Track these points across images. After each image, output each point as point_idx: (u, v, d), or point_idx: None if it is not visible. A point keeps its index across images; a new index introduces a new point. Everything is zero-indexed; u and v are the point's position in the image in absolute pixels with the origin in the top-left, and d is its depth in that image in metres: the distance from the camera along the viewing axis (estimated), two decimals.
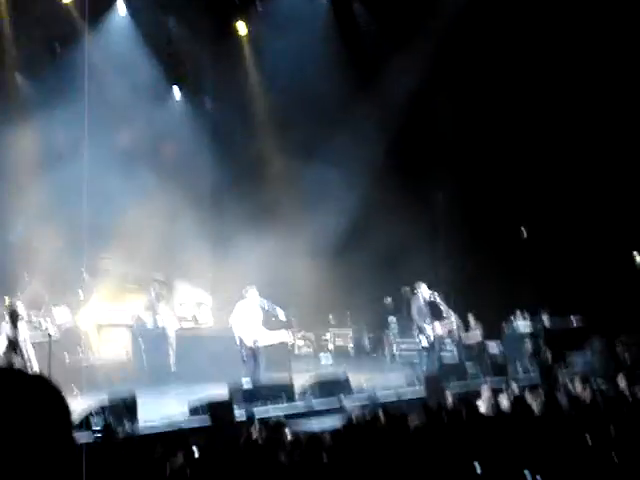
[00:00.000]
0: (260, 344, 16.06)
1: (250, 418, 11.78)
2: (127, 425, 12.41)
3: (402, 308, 20.81)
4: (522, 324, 20.15)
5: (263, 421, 10.83)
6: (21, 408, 1.59)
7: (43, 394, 1.66)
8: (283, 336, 16.98)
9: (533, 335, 19.68)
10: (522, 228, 22.13)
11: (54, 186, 18.65)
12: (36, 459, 1.58)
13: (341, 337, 23.13)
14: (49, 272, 18.47)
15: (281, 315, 16.15)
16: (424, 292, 17.92)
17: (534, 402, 12.35)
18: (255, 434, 10.22)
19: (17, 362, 13.08)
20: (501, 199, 22.53)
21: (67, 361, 17.01)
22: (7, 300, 16.74)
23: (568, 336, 20.12)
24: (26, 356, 13.26)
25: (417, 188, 22.69)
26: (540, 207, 22.49)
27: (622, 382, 14.23)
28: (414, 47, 21.84)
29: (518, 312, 20.60)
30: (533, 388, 14.07)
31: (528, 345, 19.45)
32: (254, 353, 16.04)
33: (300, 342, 22.67)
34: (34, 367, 13.34)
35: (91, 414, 12.30)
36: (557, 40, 21.02)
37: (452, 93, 22.38)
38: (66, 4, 19.63)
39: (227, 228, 20.45)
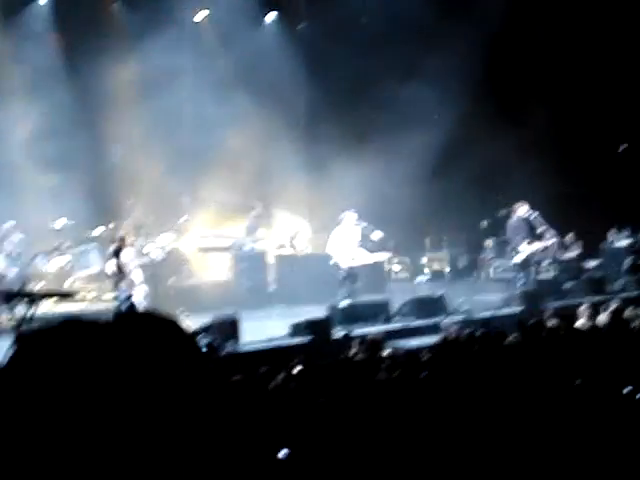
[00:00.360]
0: (356, 264, 16.30)
1: (347, 336, 12.06)
2: (230, 344, 12.85)
3: (499, 231, 20.71)
4: (621, 239, 19.84)
5: (362, 339, 11.09)
6: (166, 356, 1.71)
7: (178, 341, 1.78)
8: (380, 256, 17.17)
9: (632, 250, 19.36)
10: (620, 144, 21.64)
11: (153, 112, 19.00)
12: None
13: (437, 261, 23.17)
14: (151, 197, 18.92)
15: (378, 236, 16.32)
16: (521, 211, 17.84)
17: (633, 318, 12.31)
18: (353, 352, 10.50)
19: (125, 285, 13.60)
20: (597, 115, 22.07)
21: (171, 283, 17.56)
22: (112, 225, 17.35)
23: None
24: (134, 280, 13.75)
25: (514, 108, 22.37)
26: (636, 122, 21.97)
27: None
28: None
29: (616, 228, 20.29)
30: (632, 303, 14.00)
31: (627, 261, 19.19)
32: (351, 274, 16.30)
33: (397, 266, 22.80)
34: (143, 289, 13.83)
35: (195, 334, 12.73)
36: None
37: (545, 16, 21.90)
38: None
39: (323, 153, 20.55)
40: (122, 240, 13.94)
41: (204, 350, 12.22)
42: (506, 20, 21.85)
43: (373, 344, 10.64)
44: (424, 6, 21.24)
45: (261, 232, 19.66)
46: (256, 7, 21.55)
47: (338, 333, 13.58)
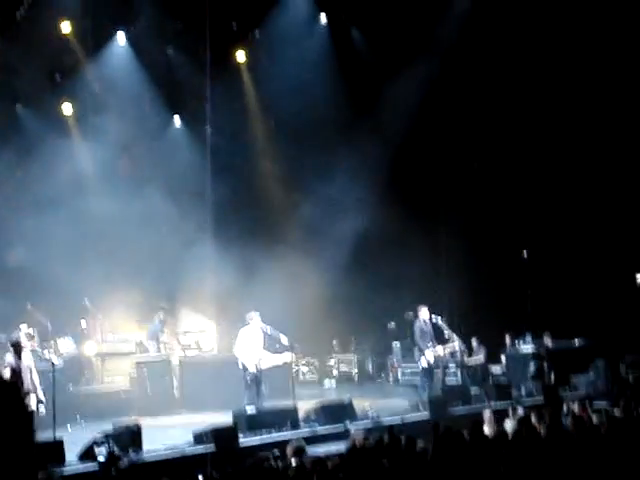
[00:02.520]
0: (263, 367, 16.07)
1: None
2: (132, 453, 12.42)
3: (406, 333, 20.80)
4: (525, 346, 20.13)
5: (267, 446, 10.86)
6: None
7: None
8: (285, 357, 16.98)
9: (536, 357, 19.63)
10: (523, 251, 22.15)
11: (58, 213, 18.73)
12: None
13: (345, 363, 23.10)
14: (52, 300, 18.49)
15: (284, 340, 16.15)
16: (426, 315, 17.93)
17: (539, 424, 12.34)
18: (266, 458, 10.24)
19: (22, 391, 13.08)
20: (503, 223, 22.59)
21: (71, 390, 17.01)
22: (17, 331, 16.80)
23: (572, 357, 20.11)
24: (31, 386, 13.27)
25: (419, 214, 22.77)
26: (542, 230, 22.55)
27: (624, 403, 14.22)
28: (410, 71, 22.06)
29: (521, 334, 20.61)
30: (537, 410, 14.05)
31: (531, 367, 19.42)
32: (257, 378, 16.04)
33: (304, 368, 22.65)
34: (39, 396, 13.33)
35: (95, 443, 12.29)
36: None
37: (449, 118, 22.56)
38: (66, 35, 19.75)
39: (229, 256, 20.47)
40: (18, 344, 13.50)
41: (103, 460, 11.78)
42: (409, 126, 22.38)
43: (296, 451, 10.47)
44: (328, 112, 21.78)
45: (165, 336, 19.35)
46: (162, 110, 21.62)
47: (244, 440, 13.28)
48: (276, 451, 10.78)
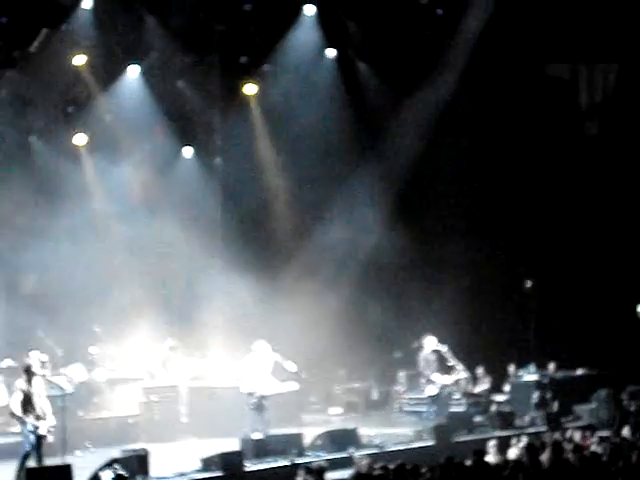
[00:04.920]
0: (267, 393, 16.24)
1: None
2: (139, 479, 12.62)
3: (412, 362, 20.95)
4: (529, 375, 20.30)
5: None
6: None
7: None
8: (291, 386, 17.19)
9: (540, 386, 19.79)
10: (527, 280, 22.38)
11: (69, 243, 18.99)
12: None
13: (351, 392, 23.19)
14: (62, 328, 18.70)
15: (291, 368, 16.34)
16: (432, 345, 18.16)
17: (541, 453, 12.52)
18: None
19: (32, 417, 13.28)
20: (508, 253, 22.82)
21: (80, 415, 17.19)
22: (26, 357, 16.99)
23: (574, 387, 20.31)
24: (41, 411, 13.44)
25: (427, 242, 22.99)
26: (546, 261, 22.80)
27: (627, 432, 14.40)
28: (417, 103, 22.43)
29: (516, 364, 20.82)
30: (540, 439, 14.24)
31: (535, 396, 19.57)
32: (261, 405, 16.21)
33: (311, 397, 22.74)
34: (50, 422, 13.50)
35: (101, 469, 12.46)
36: None
37: (454, 149, 22.91)
38: (79, 67, 20.06)
39: (240, 283, 20.68)
40: (29, 370, 13.67)
41: None
42: (415, 158, 22.72)
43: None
44: (337, 145, 22.19)
45: (174, 363, 19.51)
46: (173, 143, 21.93)
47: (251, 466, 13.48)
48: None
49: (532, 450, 12.38)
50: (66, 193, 19.53)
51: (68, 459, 12.92)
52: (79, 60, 19.89)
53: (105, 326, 19.72)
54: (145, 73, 20.79)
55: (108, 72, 20.50)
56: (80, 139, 20.53)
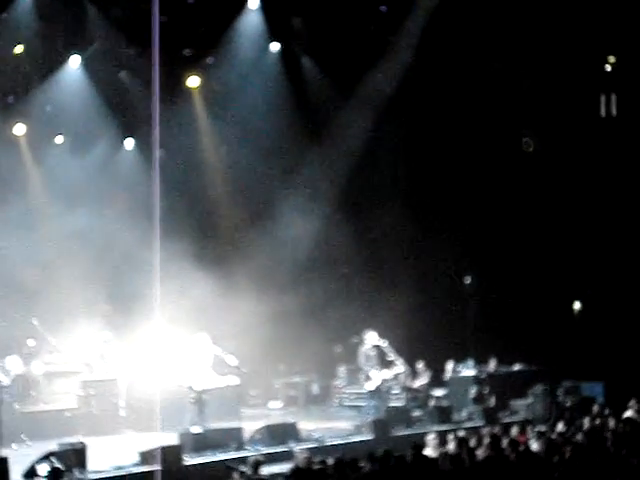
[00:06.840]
0: (208, 387, 16.22)
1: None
2: (77, 473, 12.51)
3: (352, 357, 21.07)
4: (466, 370, 20.56)
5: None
6: None
7: None
8: (231, 380, 17.16)
9: (478, 381, 20.07)
10: (466, 276, 22.67)
11: (6, 236, 18.73)
12: None
13: (291, 386, 23.25)
14: None
15: (231, 361, 16.33)
16: (372, 340, 18.26)
17: (478, 447, 12.69)
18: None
19: None
20: (447, 249, 23.02)
21: (17, 409, 16.99)
22: None
23: (512, 382, 20.61)
24: None
25: (366, 235, 23.13)
26: (485, 258, 23.07)
27: (562, 427, 14.64)
28: (360, 98, 22.53)
29: (464, 359, 21.04)
30: (477, 433, 14.42)
31: (473, 391, 19.83)
32: (201, 399, 16.17)
33: (251, 391, 22.74)
34: None
35: (38, 462, 12.34)
36: None
37: (397, 144, 23.07)
38: (17, 54, 19.79)
39: (178, 277, 20.58)
40: None
41: (46, 478, 11.84)
42: (359, 151, 22.83)
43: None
44: (279, 138, 22.17)
45: (112, 356, 19.35)
46: (115, 134, 21.75)
47: (190, 460, 13.44)
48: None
49: (464, 444, 12.54)
50: (5, 183, 19.28)
51: (4, 452, 12.76)
52: (19, 50, 19.64)
53: (43, 318, 19.50)
54: (86, 64, 20.59)
55: (49, 62, 20.27)
56: (19, 129, 20.29)
